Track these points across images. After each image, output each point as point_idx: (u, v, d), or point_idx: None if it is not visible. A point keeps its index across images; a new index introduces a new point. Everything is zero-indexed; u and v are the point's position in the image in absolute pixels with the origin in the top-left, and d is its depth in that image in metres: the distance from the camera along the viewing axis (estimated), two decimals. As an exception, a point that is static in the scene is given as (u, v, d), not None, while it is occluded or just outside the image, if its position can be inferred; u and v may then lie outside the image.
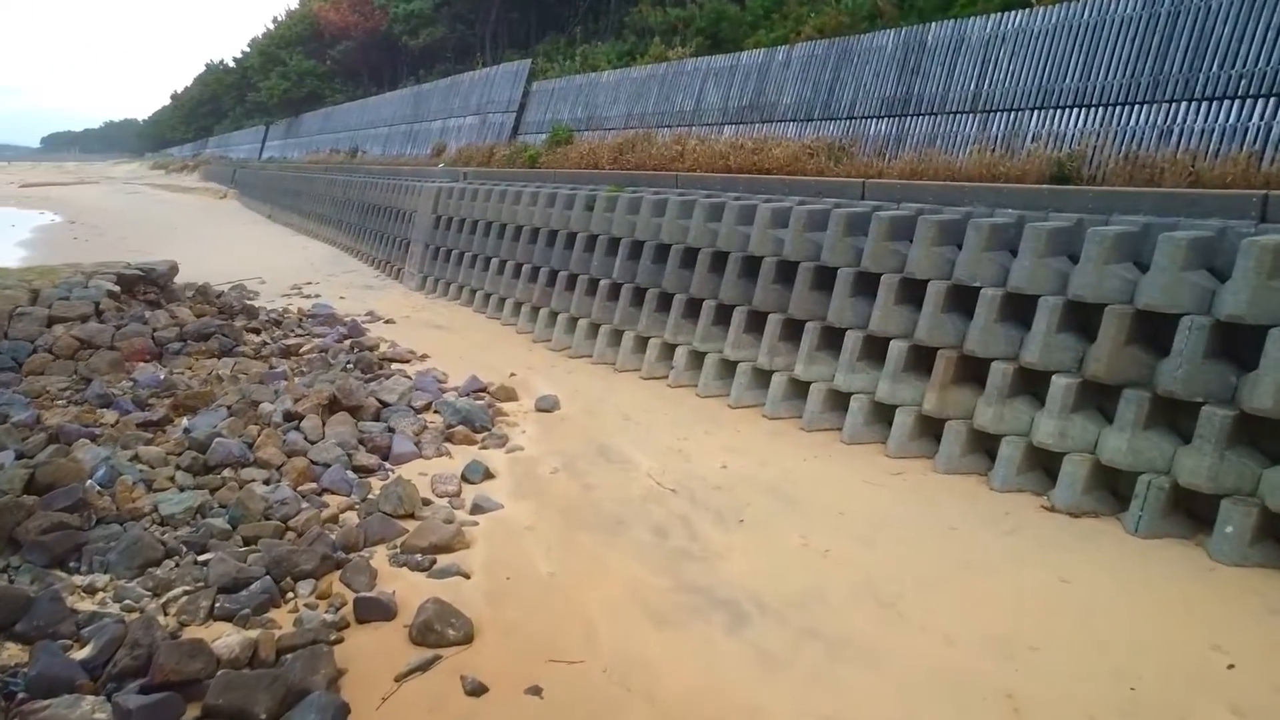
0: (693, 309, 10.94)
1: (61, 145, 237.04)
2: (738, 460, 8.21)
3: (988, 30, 10.11)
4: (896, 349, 8.39)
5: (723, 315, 10.47)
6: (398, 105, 30.30)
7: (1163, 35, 8.32)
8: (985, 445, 7.73)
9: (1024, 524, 6.75)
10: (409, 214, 20.34)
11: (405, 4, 32.70)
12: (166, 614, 5.46)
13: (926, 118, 10.68)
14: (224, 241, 27.69)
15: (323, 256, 24.34)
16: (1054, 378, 7.14)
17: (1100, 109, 8.73)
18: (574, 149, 16.68)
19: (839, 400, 8.92)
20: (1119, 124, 8.52)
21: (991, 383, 7.57)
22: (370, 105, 33.99)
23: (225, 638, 5.06)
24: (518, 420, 9.49)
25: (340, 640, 5.28)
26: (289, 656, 4.98)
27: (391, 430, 8.53)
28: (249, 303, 13.99)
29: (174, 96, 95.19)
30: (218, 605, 5.48)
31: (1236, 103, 7.81)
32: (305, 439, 8.00)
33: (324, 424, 8.27)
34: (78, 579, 5.74)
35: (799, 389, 9.35)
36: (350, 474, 7.54)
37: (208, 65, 74.55)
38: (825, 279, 9.34)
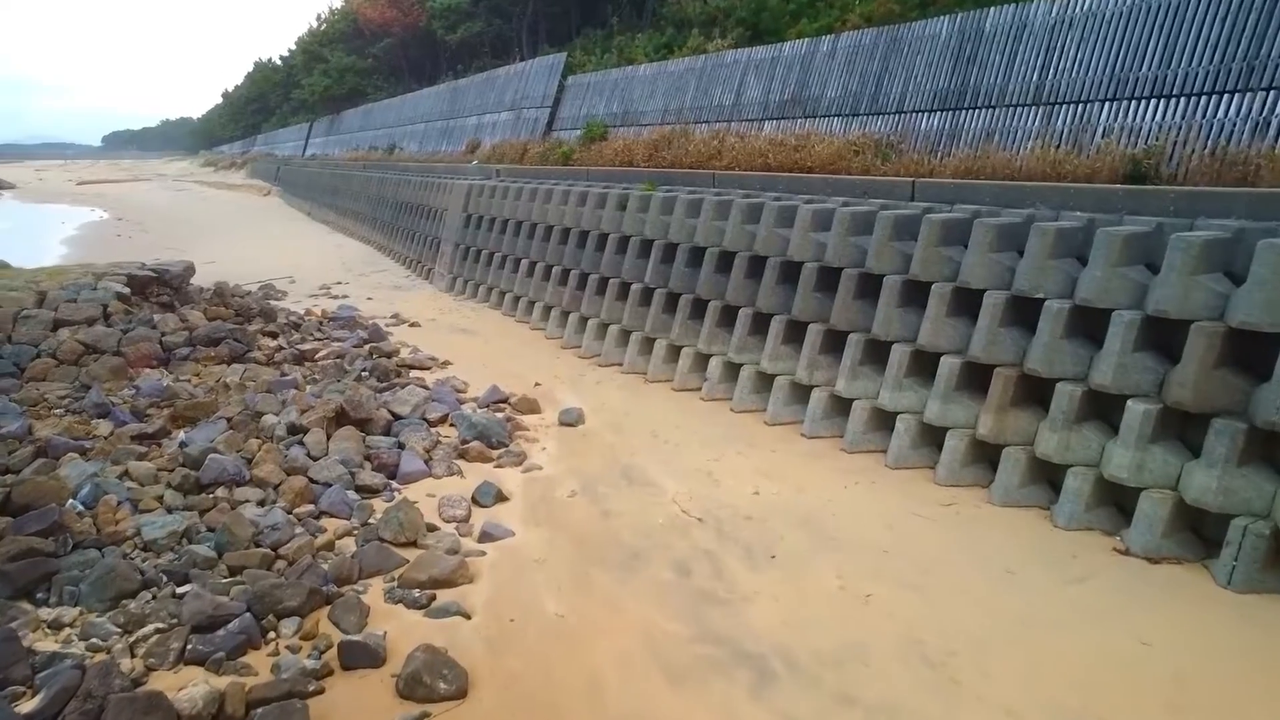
0: (728, 317, 10.29)
1: (121, 144, 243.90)
2: (772, 486, 7.54)
3: (1053, 15, 9.27)
4: (948, 366, 7.64)
5: (760, 324, 9.80)
6: (434, 101, 30.03)
7: (1259, 15, 7.39)
8: (1048, 476, 6.96)
9: (1094, 570, 5.97)
10: (440, 212, 19.94)
11: (444, -1, 32.44)
12: (134, 655, 5.02)
13: (983, 111, 9.88)
14: (260, 240, 27.67)
15: (356, 255, 24.10)
16: (1129, 403, 6.35)
17: (1182, 99, 7.86)
18: (608, 146, 16.13)
19: (884, 420, 8.21)
20: (1205, 116, 7.64)
21: (1056, 406, 6.79)
22: (408, 102, 33.81)
23: (190, 689, 4.60)
24: (538, 435, 8.92)
25: (320, 691, 4.84)
26: (260, 711, 4.50)
27: (401, 446, 8.01)
28: (272, 304, 13.63)
29: (225, 95, 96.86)
30: (189, 647, 5.03)
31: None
32: (308, 455, 7.52)
33: (329, 438, 7.78)
34: (44, 612, 5.32)
35: (840, 406, 8.64)
36: (352, 495, 7.04)
37: (256, 64, 75.67)
38: (870, 287, 8.62)
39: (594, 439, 8.86)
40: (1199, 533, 6.03)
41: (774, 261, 9.75)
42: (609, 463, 8.16)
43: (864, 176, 10.17)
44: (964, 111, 10.13)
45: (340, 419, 8.15)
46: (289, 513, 6.58)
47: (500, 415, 9.26)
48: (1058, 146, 8.68)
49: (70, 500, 6.27)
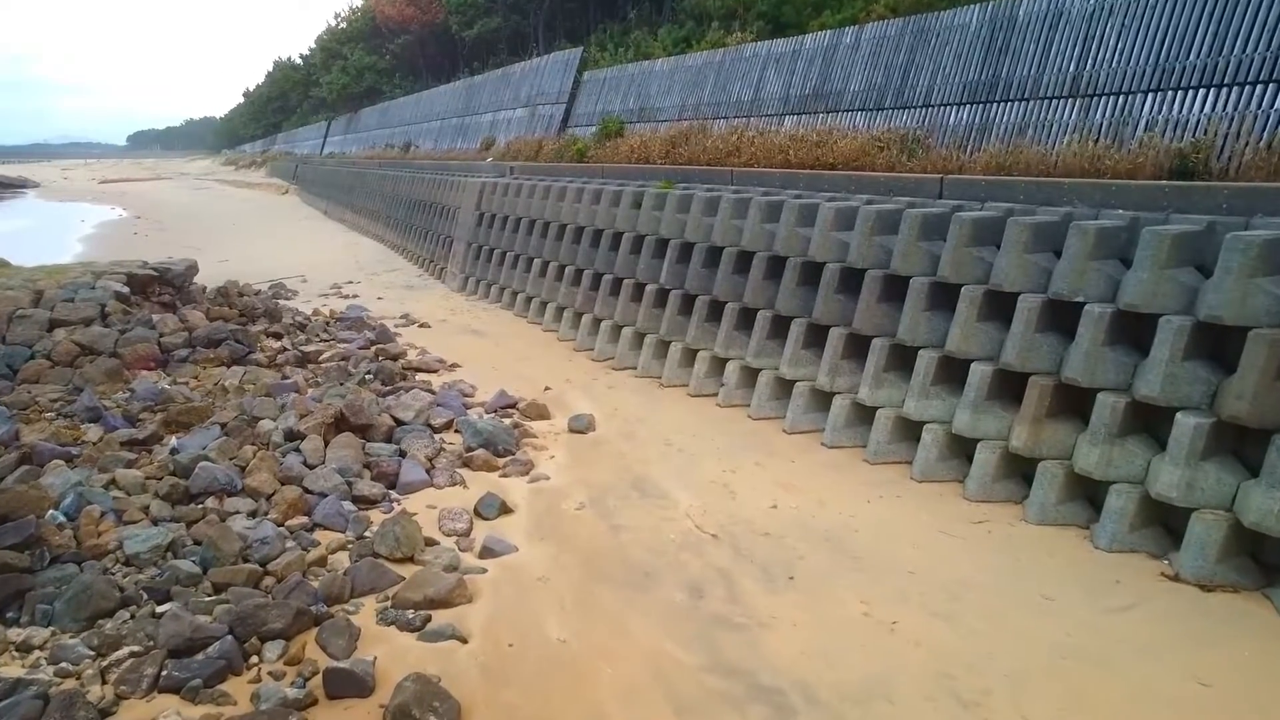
0: (746, 320, 9.86)
1: (145, 143, 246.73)
2: (791, 499, 7.12)
3: (1092, 2, 8.77)
4: (979, 373, 7.19)
5: (779, 328, 9.37)
6: (450, 99, 29.76)
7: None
8: (1088, 492, 6.50)
9: (1141, 597, 5.51)
10: (453, 210, 19.64)
11: (461, -6, 32.21)
12: (105, 681, 4.71)
13: (1016, 104, 9.38)
14: (276, 238, 27.56)
15: (369, 254, 23.88)
16: (1179, 416, 5.88)
17: (1234, 89, 7.34)
18: (624, 142, 15.74)
19: (909, 430, 7.76)
20: (1260, 106, 7.12)
21: (1098, 418, 6.33)
22: (424, 99, 33.57)
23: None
24: (546, 443, 8.55)
25: (301, 724, 4.43)
26: (234, 747, 4.16)
27: (403, 454, 7.67)
28: (280, 303, 13.36)
29: (246, 94, 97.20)
30: (164, 673, 4.73)
31: None
32: (304, 463, 7.19)
33: (326, 445, 7.44)
34: (14, 633, 5.04)
35: (863, 415, 8.20)
36: (348, 506, 6.71)
37: (276, 63, 75.82)
38: (896, 290, 8.16)
39: (605, 447, 8.48)
40: (1258, 558, 5.55)
41: (794, 262, 9.31)
42: (620, 473, 7.78)
43: (889, 173, 9.72)
44: (995, 104, 9.64)
45: (340, 425, 7.82)
46: (280, 525, 6.26)
47: (508, 421, 8.90)
48: (1096, 141, 8.18)
49: (51, 511, 5.98)
